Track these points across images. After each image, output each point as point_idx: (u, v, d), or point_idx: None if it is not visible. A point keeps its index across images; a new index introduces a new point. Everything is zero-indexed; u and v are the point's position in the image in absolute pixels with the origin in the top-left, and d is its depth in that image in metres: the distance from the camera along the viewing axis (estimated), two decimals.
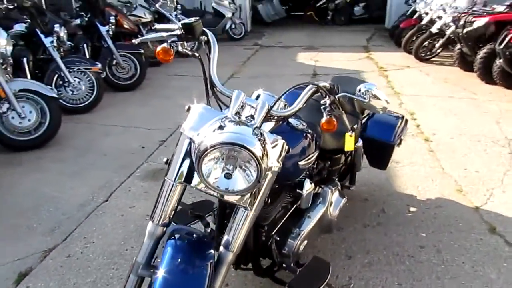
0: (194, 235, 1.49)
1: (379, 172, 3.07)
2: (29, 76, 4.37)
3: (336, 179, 2.33)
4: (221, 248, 1.46)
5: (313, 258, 2.04)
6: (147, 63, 5.88)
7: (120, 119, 4.68)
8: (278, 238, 1.86)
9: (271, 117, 1.49)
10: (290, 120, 1.61)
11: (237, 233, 1.45)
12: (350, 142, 1.76)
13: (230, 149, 1.27)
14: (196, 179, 1.40)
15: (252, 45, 9.01)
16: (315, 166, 2.05)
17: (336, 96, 1.57)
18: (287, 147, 1.44)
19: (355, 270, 2.24)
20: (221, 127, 1.33)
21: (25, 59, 4.36)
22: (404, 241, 2.47)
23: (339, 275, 2.20)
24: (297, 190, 1.79)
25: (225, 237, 1.47)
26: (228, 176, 1.30)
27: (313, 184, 1.82)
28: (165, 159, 1.50)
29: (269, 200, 1.68)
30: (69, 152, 3.82)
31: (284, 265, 1.90)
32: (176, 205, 1.47)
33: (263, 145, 1.31)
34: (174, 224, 1.53)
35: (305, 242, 1.93)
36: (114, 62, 5.50)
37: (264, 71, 6.73)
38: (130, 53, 5.56)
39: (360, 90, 1.59)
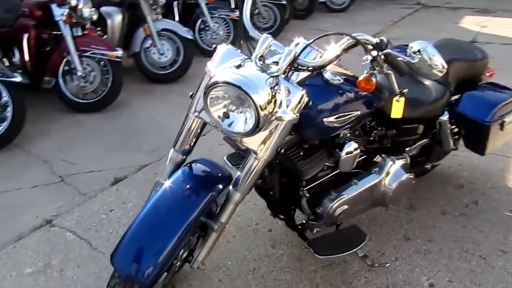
0: (211, 169, 1.59)
1: (492, 161, 2.63)
2: (177, 18, 4.89)
3: (411, 152, 2.10)
4: (231, 187, 1.53)
5: (352, 226, 1.94)
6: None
7: None
8: (311, 196, 1.82)
9: (299, 67, 1.44)
10: (327, 74, 1.51)
11: (246, 176, 1.49)
12: (396, 109, 1.55)
13: (234, 90, 1.29)
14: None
15: (413, 4, 8.15)
16: (373, 131, 1.88)
17: (381, 53, 1.41)
18: (306, 99, 1.39)
19: (406, 253, 2.05)
20: (238, 67, 1.36)
21: (175, 3, 4.89)
22: (483, 240, 2.12)
23: (385, 253, 2.05)
24: (336, 151, 1.71)
25: (236, 176, 1.52)
26: (226, 115, 1.33)
27: (357, 149, 1.70)
28: (190, 93, 1.60)
29: (300, 154, 1.65)
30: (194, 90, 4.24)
31: (314, 224, 1.86)
32: (196, 137, 1.58)
33: (272, 94, 1.29)
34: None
35: (345, 207, 1.84)
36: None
37: (414, 34, 6.08)
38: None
39: (411, 48, 1.38)
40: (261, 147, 1.44)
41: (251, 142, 1.46)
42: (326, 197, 1.83)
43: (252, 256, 2.03)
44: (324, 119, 1.50)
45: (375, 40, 1.43)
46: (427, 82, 2.04)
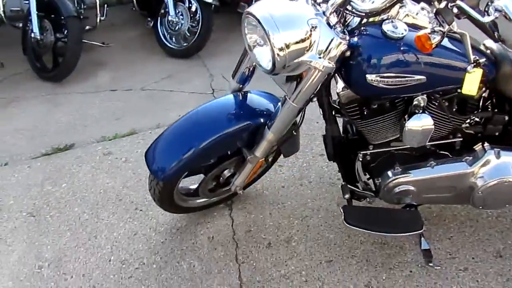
0: (259, 101, 1.64)
1: None
2: None
3: None
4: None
5: (412, 210, 1.67)
6: None
7: None
8: (374, 162, 1.65)
9: (353, 11, 1.28)
10: (387, 25, 1.28)
11: (278, 119, 1.49)
12: (469, 83, 1.19)
13: (256, 24, 1.28)
14: None
15: None
16: (472, 111, 1.51)
17: (450, 4, 1.11)
18: (343, 48, 1.25)
19: (484, 270, 1.66)
20: (281, 5, 1.32)
21: None
22: None
23: (456, 259, 1.71)
24: (403, 120, 1.47)
25: (271, 116, 1.53)
26: (251, 47, 1.34)
27: (429, 125, 1.42)
28: None
29: (358, 111, 1.50)
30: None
31: (365, 194, 1.70)
32: (252, 67, 1.62)
33: (304, 36, 1.23)
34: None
35: (409, 188, 1.63)
36: None
37: None
38: None
39: (488, 4, 1.04)
40: (294, 92, 1.40)
41: (285, 85, 1.43)
42: (389, 169, 1.63)
43: (312, 205, 2.01)
44: (367, 76, 1.30)
45: None
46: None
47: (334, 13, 1.27)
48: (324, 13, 1.27)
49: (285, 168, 2.26)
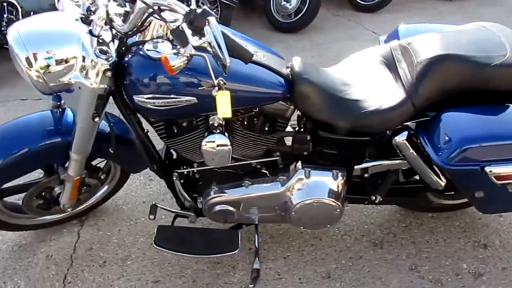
0: None
1: None
2: None
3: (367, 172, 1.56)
4: None
5: (231, 230, 1.63)
6: None
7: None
8: (196, 183, 1.62)
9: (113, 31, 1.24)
10: (149, 45, 1.24)
11: (75, 138, 1.45)
12: (221, 106, 1.14)
13: None
14: None
15: None
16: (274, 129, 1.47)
17: (185, 25, 1.07)
18: (104, 68, 1.22)
19: (288, 285, 1.61)
20: (43, 23, 1.28)
21: None
22: None
23: (264, 277, 1.66)
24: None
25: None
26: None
27: (225, 145, 1.38)
28: None
29: (162, 129, 1.45)
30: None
31: (185, 213, 1.66)
32: None
33: (61, 56, 1.20)
34: None
35: (226, 208, 1.59)
36: None
37: None
38: None
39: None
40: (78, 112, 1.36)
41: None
42: (208, 188, 1.60)
43: (165, 221, 1.97)
44: (134, 97, 1.27)
45: (184, 8, 1.08)
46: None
47: (105, 31, 1.24)
48: (91, 31, 1.23)
49: (155, 182, 2.22)
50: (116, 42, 1.27)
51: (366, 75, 1.48)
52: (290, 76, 1.40)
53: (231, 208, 1.59)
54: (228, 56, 1.02)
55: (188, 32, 1.05)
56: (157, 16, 1.13)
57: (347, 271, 1.69)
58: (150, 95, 1.25)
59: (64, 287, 1.69)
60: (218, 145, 1.39)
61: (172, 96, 1.25)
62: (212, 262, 1.75)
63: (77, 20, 1.28)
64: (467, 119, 1.29)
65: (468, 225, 1.87)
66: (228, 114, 1.18)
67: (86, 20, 1.28)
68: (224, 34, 1.09)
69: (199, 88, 1.23)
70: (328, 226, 1.64)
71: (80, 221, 2.00)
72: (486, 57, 1.30)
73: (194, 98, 1.26)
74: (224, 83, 1.14)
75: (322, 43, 3.90)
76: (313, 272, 1.69)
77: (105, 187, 1.93)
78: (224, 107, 1.17)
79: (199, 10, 1.07)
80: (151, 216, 1.60)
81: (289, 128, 1.56)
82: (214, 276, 1.70)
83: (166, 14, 1.15)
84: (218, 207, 1.59)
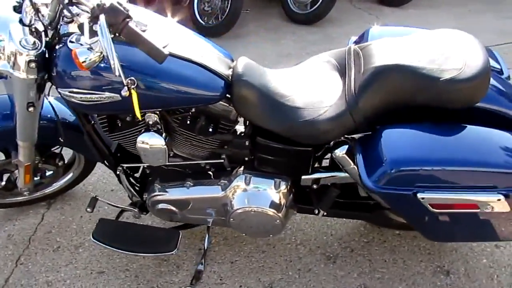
0: None
1: None
2: None
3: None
4: None
5: (171, 229, 1.60)
6: None
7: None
8: (141, 179, 1.60)
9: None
10: (72, 37, 1.21)
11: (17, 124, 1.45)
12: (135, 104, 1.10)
13: None
14: None
15: None
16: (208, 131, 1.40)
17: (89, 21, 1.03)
18: (29, 60, 1.20)
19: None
20: None
21: None
22: None
23: (206, 280, 1.61)
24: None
25: None
26: None
27: (157, 144, 1.35)
28: None
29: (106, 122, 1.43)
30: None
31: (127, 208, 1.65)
32: None
33: None
34: None
35: (169, 207, 1.56)
36: None
37: None
38: None
39: None
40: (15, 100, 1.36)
41: None
42: (152, 185, 1.57)
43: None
44: (59, 90, 1.25)
45: (92, 3, 1.04)
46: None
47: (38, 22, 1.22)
48: (21, 20, 1.22)
49: None
50: (50, 32, 1.25)
51: (315, 81, 1.38)
52: (230, 78, 1.33)
53: (173, 208, 1.55)
54: (116, 56, 0.98)
55: (86, 28, 1.00)
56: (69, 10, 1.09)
57: (291, 284, 1.62)
58: (73, 89, 1.23)
59: (15, 267, 1.74)
60: (151, 144, 1.36)
61: (92, 92, 1.22)
62: (159, 259, 1.73)
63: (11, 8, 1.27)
64: (407, 138, 1.17)
65: (435, 248, 1.73)
66: (138, 115, 1.14)
67: (19, 9, 1.27)
68: (136, 34, 1.04)
69: (116, 86, 1.19)
70: (271, 236, 1.57)
71: (48, 203, 2.04)
72: (438, 70, 1.17)
73: (118, 95, 1.23)
74: (134, 83, 1.10)
75: (336, 37, 3.74)
76: (256, 281, 1.63)
77: (71, 173, 1.96)
78: (135, 108, 1.13)
79: (107, 5, 1.03)
80: (88, 209, 1.60)
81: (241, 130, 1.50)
82: (157, 273, 1.68)
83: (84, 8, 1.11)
84: (160, 205, 1.56)
